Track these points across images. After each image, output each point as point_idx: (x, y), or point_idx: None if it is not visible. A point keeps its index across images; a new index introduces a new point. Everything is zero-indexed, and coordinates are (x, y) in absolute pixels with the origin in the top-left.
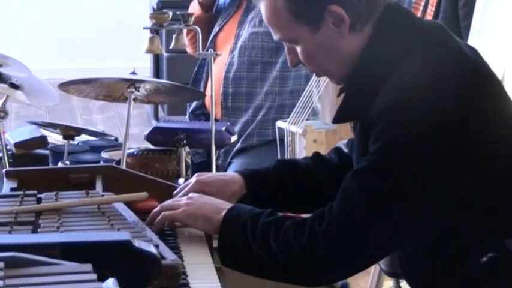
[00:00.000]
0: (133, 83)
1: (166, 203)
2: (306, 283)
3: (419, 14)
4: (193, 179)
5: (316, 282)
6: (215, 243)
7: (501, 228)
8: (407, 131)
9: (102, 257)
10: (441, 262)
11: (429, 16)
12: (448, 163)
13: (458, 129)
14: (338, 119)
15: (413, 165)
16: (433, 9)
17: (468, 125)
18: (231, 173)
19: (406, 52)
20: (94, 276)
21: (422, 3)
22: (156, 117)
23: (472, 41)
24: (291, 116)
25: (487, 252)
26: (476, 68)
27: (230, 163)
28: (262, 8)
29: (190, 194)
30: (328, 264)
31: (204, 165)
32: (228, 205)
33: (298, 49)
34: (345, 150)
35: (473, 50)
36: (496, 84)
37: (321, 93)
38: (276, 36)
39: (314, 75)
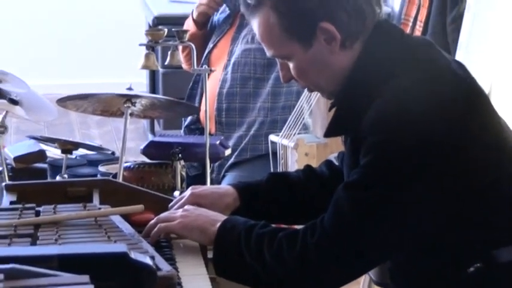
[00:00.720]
0: (129, 99)
1: (162, 215)
2: None
3: (408, 29)
4: (188, 192)
5: None
6: (210, 254)
7: (488, 239)
8: (397, 145)
9: (99, 268)
10: (430, 272)
11: (418, 32)
12: (436, 178)
13: (447, 144)
14: (330, 133)
15: (402, 179)
16: (422, 25)
17: (456, 140)
18: (225, 185)
19: (395, 69)
20: (91, 287)
21: (411, 20)
22: (152, 132)
23: (460, 55)
24: (283, 130)
25: (474, 263)
26: (463, 85)
27: (224, 176)
28: (255, 25)
29: (186, 207)
30: (320, 275)
31: (198, 179)
32: (222, 217)
33: (291, 65)
34: (336, 163)
35: (461, 66)
36: (483, 99)
37: (313, 108)
38: (269, 53)
39: (305, 91)
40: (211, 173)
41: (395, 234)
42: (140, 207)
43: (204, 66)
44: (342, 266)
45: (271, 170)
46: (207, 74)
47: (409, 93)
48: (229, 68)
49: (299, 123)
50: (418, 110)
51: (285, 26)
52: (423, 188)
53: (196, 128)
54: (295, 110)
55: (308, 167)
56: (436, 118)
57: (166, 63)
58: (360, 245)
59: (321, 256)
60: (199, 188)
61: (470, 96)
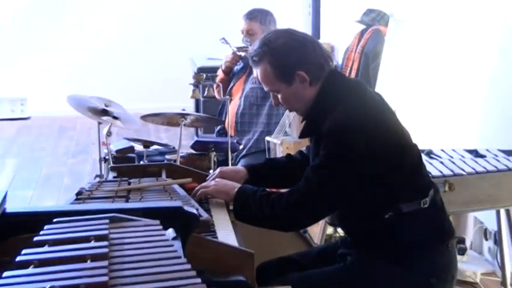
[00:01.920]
0: (183, 116)
1: (202, 184)
2: (285, 229)
3: (347, 74)
4: (217, 170)
5: (290, 229)
6: (231, 207)
7: (396, 197)
8: (341, 144)
9: (165, 215)
10: (361, 217)
11: (353, 75)
12: (364, 163)
13: (372, 141)
14: (302, 135)
15: (344, 162)
16: (355, 72)
17: (379, 138)
18: (240, 166)
19: (341, 98)
20: (161, 227)
21: (349, 69)
22: (197, 135)
23: (378, 89)
24: (274, 134)
25: (388, 212)
26: (381, 106)
27: (239, 161)
28: (258, 72)
29: (216, 179)
30: (298, 219)
31: (224, 163)
32: (238, 185)
33: (279, 96)
34: (305, 152)
35: (379, 95)
36: (393, 114)
37: (291, 121)
38: (265, 88)
39: (287, 111)
40: (231, 159)
41: (339, 194)
42: (189, 179)
43: (227, 96)
44: (311, 213)
45: (267, 157)
46: (229, 101)
47: (349, 113)
48: (242, 98)
49: (283, 130)
50: (356, 122)
51: (276, 73)
52: (356, 167)
53: (223, 132)
54: (280, 122)
55: (289, 155)
56: (365, 128)
57: (204, 95)
58: (320, 201)
59: (298, 207)
60: (224, 168)
61: (386, 111)
